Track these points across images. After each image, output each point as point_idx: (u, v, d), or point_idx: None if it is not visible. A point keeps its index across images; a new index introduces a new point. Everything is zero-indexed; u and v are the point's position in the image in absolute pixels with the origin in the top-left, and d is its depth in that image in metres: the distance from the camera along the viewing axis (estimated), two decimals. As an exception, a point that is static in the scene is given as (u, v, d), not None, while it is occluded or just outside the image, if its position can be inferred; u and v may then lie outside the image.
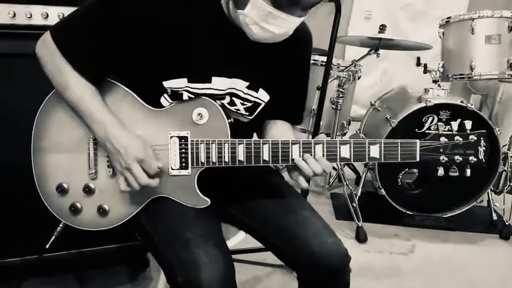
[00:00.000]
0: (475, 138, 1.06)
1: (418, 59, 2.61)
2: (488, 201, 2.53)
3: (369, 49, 2.50)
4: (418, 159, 1.06)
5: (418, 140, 1.06)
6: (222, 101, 1.10)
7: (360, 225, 2.29)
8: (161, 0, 1.00)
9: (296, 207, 1.14)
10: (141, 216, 1.07)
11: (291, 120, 1.28)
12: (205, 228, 1.01)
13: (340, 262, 1.07)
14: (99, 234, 1.09)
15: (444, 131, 1.07)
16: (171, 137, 1.04)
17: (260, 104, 1.16)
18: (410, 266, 2.10)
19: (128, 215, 1.07)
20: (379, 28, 2.42)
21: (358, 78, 2.68)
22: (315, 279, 1.10)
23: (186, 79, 1.03)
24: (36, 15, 1.36)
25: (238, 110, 1.13)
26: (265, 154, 1.04)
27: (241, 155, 1.04)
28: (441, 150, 1.06)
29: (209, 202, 1.05)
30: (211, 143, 1.04)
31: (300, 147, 1.04)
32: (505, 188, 2.51)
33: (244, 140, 1.04)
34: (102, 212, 1.07)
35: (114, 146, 0.99)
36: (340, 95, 2.48)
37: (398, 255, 2.20)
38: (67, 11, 1.36)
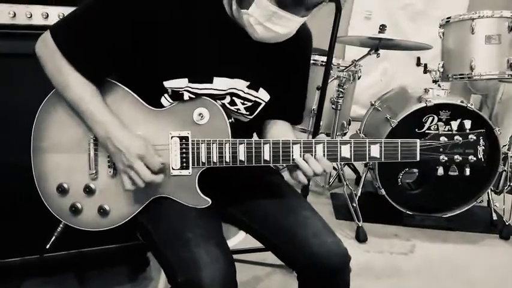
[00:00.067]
0: (475, 137, 1.07)
1: (418, 59, 2.61)
2: (488, 201, 2.53)
3: (369, 49, 2.50)
4: (418, 158, 1.06)
5: (418, 140, 1.06)
6: (223, 101, 1.10)
7: (360, 225, 2.30)
8: (162, 0, 1.00)
9: (296, 207, 1.14)
10: (142, 216, 1.07)
11: (291, 119, 1.28)
12: (206, 228, 1.01)
13: (340, 262, 1.07)
14: (99, 234, 1.09)
15: (444, 130, 1.07)
16: (171, 137, 1.04)
17: (260, 103, 1.16)
18: (410, 266, 2.10)
19: (129, 215, 1.07)
20: (379, 28, 2.42)
21: (358, 78, 2.68)
22: (315, 279, 1.10)
23: (187, 79, 1.03)
24: (37, 15, 1.36)
25: (238, 109, 1.13)
26: (266, 154, 1.04)
27: (242, 155, 1.04)
28: (441, 149, 1.07)
29: (210, 202, 1.05)
30: (212, 143, 1.04)
31: (300, 147, 1.04)
32: (505, 188, 2.51)
33: (245, 140, 1.04)
34: (102, 212, 1.07)
35: (115, 146, 0.99)
36: (340, 95, 2.48)
37: (398, 255, 2.20)
38: (67, 11, 1.35)
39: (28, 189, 1.08)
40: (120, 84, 1.06)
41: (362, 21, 4.05)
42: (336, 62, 2.54)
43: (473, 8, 3.67)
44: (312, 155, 1.04)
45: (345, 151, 1.05)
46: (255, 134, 1.27)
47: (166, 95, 1.05)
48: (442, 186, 2.36)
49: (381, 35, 2.39)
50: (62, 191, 1.07)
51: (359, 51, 2.61)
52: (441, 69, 2.44)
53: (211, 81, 1.06)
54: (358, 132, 2.74)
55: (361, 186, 2.49)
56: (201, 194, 1.05)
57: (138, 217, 1.07)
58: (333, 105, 2.51)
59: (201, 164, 1.04)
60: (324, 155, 1.05)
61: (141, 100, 1.06)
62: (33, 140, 1.08)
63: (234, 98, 1.11)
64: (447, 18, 2.39)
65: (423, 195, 2.44)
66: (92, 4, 1.01)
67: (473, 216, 2.55)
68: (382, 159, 1.05)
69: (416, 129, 2.29)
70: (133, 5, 0.99)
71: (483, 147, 1.07)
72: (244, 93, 1.12)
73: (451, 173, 1.11)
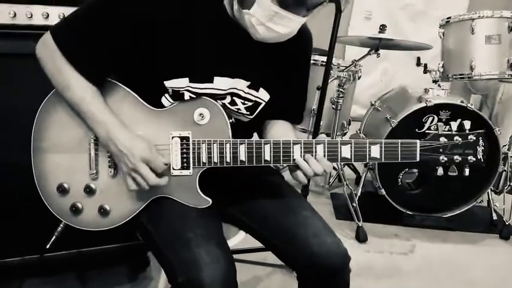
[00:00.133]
0: (474, 138, 1.07)
1: (418, 59, 2.61)
2: (488, 201, 2.54)
3: (369, 49, 2.50)
4: (418, 159, 1.06)
5: (418, 140, 1.06)
6: (223, 101, 1.10)
7: (360, 225, 2.30)
8: (161, 1, 1.01)
9: (296, 207, 1.15)
10: (142, 216, 1.07)
11: (291, 119, 1.29)
12: (206, 228, 1.01)
13: (340, 262, 1.07)
14: (100, 234, 1.09)
15: (444, 131, 1.08)
16: (172, 137, 1.04)
17: (260, 103, 1.16)
18: (410, 266, 2.11)
19: (129, 215, 1.07)
20: (379, 28, 2.42)
21: (358, 78, 2.68)
22: (314, 279, 1.10)
23: (187, 79, 1.03)
24: (37, 15, 1.36)
25: (239, 109, 1.13)
26: (267, 154, 1.04)
27: (242, 155, 1.04)
28: (441, 150, 1.07)
29: (210, 202, 1.05)
30: (213, 143, 1.04)
31: (301, 147, 1.05)
32: (505, 188, 2.51)
33: (246, 140, 1.04)
34: (103, 212, 1.07)
35: (117, 147, 0.99)
36: (340, 95, 2.48)
37: (398, 255, 2.20)
38: (67, 11, 1.36)
39: (28, 189, 1.08)
40: (120, 84, 1.06)
41: (362, 21, 4.05)
42: (336, 62, 2.54)
43: (473, 8, 3.67)
44: (312, 155, 1.04)
45: (345, 151, 1.05)
46: (255, 134, 1.27)
47: (166, 94, 1.05)
48: (442, 186, 2.36)
49: (381, 35, 2.39)
50: (63, 190, 1.07)
51: (359, 51, 2.61)
52: (441, 69, 2.44)
53: (211, 81, 1.06)
54: (358, 132, 2.74)
55: (361, 186, 2.50)
56: (202, 194, 1.05)
57: (138, 217, 1.07)
58: (333, 105, 2.51)
59: (201, 164, 1.04)
60: (324, 155, 1.05)
61: (141, 100, 1.06)
62: (33, 140, 1.08)
63: (234, 98, 1.11)
64: (447, 18, 2.39)
65: (423, 195, 2.44)
66: (92, 5, 1.01)
67: (473, 216, 2.55)
68: (382, 160, 1.06)
69: (417, 129, 2.29)
70: (132, 5, 0.99)
71: (482, 148, 1.08)
72: (245, 93, 1.12)
73: (450, 173, 1.11)
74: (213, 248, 0.96)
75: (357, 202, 2.37)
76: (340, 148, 1.05)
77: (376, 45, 2.45)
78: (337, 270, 1.07)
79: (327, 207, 2.65)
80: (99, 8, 1.01)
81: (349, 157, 1.06)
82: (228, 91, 1.09)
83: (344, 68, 2.51)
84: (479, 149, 1.07)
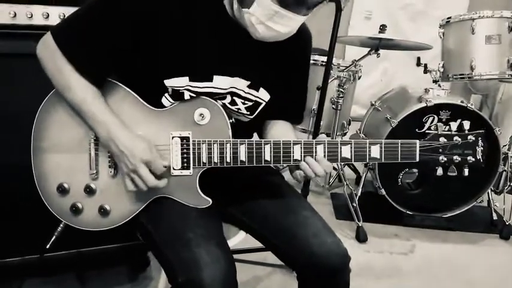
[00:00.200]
0: (474, 138, 1.07)
1: (418, 59, 2.61)
2: (489, 201, 2.54)
3: (369, 49, 2.50)
4: (417, 159, 1.06)
5: (417, 141, 1.06)
6: (224, 101, 1.10)
7: (360, 225, 2.30)
8: (162, 1, 1.01)
9: (296, 207, 1.15)
10: (143, 216, 1.07)
11: (291, 119, 1.29)
12: (206, 228, 1.02)
13: (340, 262, 1.07)
14: (100, 234, 1.09)
15: (444, 131, 1.08)
16: (172, 137, 1.04)
17: (261, 103, 1.16)
18: (411, 266, 2.11)
19: (129, 215, 1.07)
20: (379, 28, 2.42)
21: (359, 78, 2.68)
22: (314, 279, 1.10)
23: (187, 77, 1.03)
24: (37, 15, 1.36)
25: (239, 109, 1.13)
26: (267, 154, 1.04)
27: (243, 155, 1.04)
28: (440, 150, 1.07)
29: (211, 202, 1.06)
30: (213, 143, 1.04)
31: (301, 147, 1.05)
32: (505, 188, 2.51)
33: (246, 140, 1.04)
34: (103, 212, 1.07)
35: (118, 148, 0.99)
36: (341, 95, 2.48)
37: (398, 255, 2.20)
38: (68, 11, 1.36)
39: (28, 189, 1.08)
40: (121, 85, 1.06)
41: (362, 21, 4.05)
42: (336, 62, 2.54)
43: (473, 8, 3.67)
44: (312, 156, 1.04)
45: (346, 151, 1.05)
46: (255, 134, 1.27)
47: (166, 94, 1.05)
48: (442, 186, 2.36)
49: (381, 35, 2.39)
50: (63, 191, 1.07)
51: (359, 51, 2.61)
52: (441, 69, 2.44)
53: (211, 80, 1.06)
54: (358, 132, 2.74)
55: (361, 186, 2.50)
56: (202, 194, 1.05)
57: (138, 217, 1.07)
58: (333, 105, 2.51)
59: (202, 164, 1.04)
60: (324, 155, 1.05)
61: (141, 100, 1.06)
62: (33, 140, 1.08)
63: (234, 97, 1.12)
64: (447, 18, 2.39)
65: (423, 195, 2.44)
66: (93, 5, 1.01)
67: (473, 216, 2.55)
68: (382, 160, 1.06)
69: (417, 129, 2.29)
70: (133, 5, 0.99)
71: (482, 148, 1.08)
72: (245, 93, 1.12)
73: (450, 174, 1.11)
74: (213, 248, 0.96)
75: (357, 202, 2.37)
76: (340, 148, 1.05)
77: (376, 45, 2.45)
78: (337, 270, 1.07)
79: (327, 207, 2.65)
80: (100, 8, 1.01)
81: (349, 157, 1.06)
82: (228, 90, 1.09)
83: (344, 68, 2.51)
84: (479, 149, 1.08)
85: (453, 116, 2.26)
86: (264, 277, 1.89)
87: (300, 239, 1.07)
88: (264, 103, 1.16)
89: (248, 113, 1.15)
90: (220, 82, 1.07)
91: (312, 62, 1.33)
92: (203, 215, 1.05)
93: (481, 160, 1.08)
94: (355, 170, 3.05)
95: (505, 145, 2.48)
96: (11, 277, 1.53)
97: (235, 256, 1.00)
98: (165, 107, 1.06)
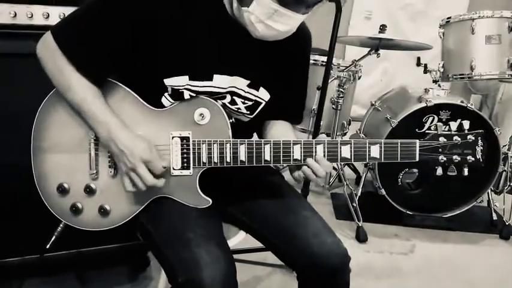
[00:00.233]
0: (473, 138, 1.07)
1: (418, 59, 2.61)
2: (488, 201, 2.54)
3: (369, 49, 2.50)
4: (417, 159, 1.06)
5: (417, 140, 1.06)
6: (223, 101, 1.10)
7: (360, 225, 2.30)
8: (162, 1, 1.01)
9: (296, 207, 1.15)
10: (143, 216, 1.07)
11: (291, 119, 1.29)
12: (206, 228, 1.02)
13: (340, 262, 1.07)
14: (100, 234, 1.09)
15: (443, 131, 1.08)
16: (172, 137, 1.04)
17: (261, 103, 1.16)
18: (410, 266, 2.11)
19: (129, 215, 1.07)
20: (379, 28, 2.42)
21: (359, 78, 2.68)
22: (314, 279, 1.10)
23: (187, 77, 1.03)
24: (37, 15, 1.36)
25: (239, 109, 1.13)
26: (267, 154, 1.04)
27: (243, 155, 1.04)
28: (440, 150, 1.07)
29: (211, 202, 1.06)
30: (213, 143, 1.04)
31: (301, 147, 1.05)
32: (505, 188, 2.51)
33: (246, 140, 1.04)
34: (103, 212, 1.07)
35: (118, 147, 0.99)
36: (341, 95, 2.48)
37: (398, 255, 2.20)
38: (68, 11, 1.36)
39: (28, 189, 1.08)
40: (121, 85, 1.06)
41: (362, 21, 4.05)
42: (336, 62, 2.54)
43: (473, 8, 3.67)
44: (312, 156, 1.04)
45: (345, 151, 1.05)
46: (255, 134, 1.27)
47: (166, 94, 1.05)
48: (442, 186, 2.36)
49: (381, 35, 2.39)
50: (63, 191, 1.07)
51: (359, 51, 2.61)
52: (441, 69, 2.44)
53: (211, 79, 1.06)
54: (358, 132, 2.74)
55: (361, 186, 2.50)
56: (202, 194, 1.05)
57: (138, 217, 1.07)
58: (333, 105, 2.51)
59: (202, 164, 1.04)
60: (324, 155, 1.05)
61: (141, 100, 1.06)
62: (33, 140, 1.08)
63: (234, 97, 1.12)
64: (447, 18, 2.39)
65: (423, 195, 2.44)
66: (93, 4, 1.01)
67: (473, 216, 2.55)
68: (382, 160, 1.06)
69: (417, 129, 2.29)
70: (133, 5, 0.99)
71: (482, 148, 1.08)
72: (245, 92, 1.12)
73: (449, 173, 1.11)
74: (213, 248, 0.96)
75: (357, 202, 2.37)
76: (340, 148, 1.05)
77: (376, 45, 2.45)
78: (337, 270, 1.07)
79: (327, 207, 2.65)
80: (100, 8, 1.01)
81: (349, 157, 1.06)
82: (228, 90, 1.09)
83: (344, 68, 2.51)
84: (478, 149, 1.08)
85: (453, 116, 2.26)
86: (264, 277, 1.89)
87: (300, 239, 1.07)
88: (264, 103, 1.16)
89: (248, 112, 1.15)
90: (220, 81, 1.07)
91: (312, 62, 1.33)
92: (203, 215, 1.05)
93: (481, 160, 1.08)
94: (355, 170, 3.05)
95: (505, 145, 2.48)
96: (11, 277, 1.53)
97: (235, 256, 1.00)
98: (165, 106, 1.06)
